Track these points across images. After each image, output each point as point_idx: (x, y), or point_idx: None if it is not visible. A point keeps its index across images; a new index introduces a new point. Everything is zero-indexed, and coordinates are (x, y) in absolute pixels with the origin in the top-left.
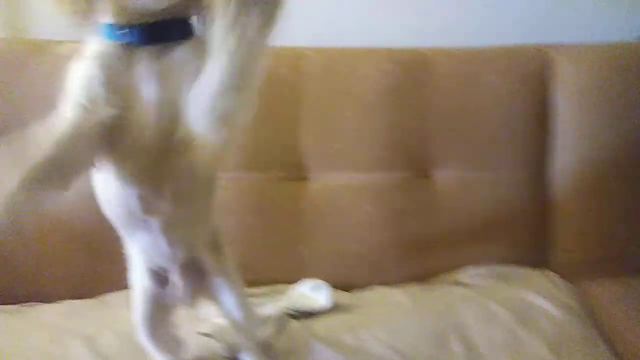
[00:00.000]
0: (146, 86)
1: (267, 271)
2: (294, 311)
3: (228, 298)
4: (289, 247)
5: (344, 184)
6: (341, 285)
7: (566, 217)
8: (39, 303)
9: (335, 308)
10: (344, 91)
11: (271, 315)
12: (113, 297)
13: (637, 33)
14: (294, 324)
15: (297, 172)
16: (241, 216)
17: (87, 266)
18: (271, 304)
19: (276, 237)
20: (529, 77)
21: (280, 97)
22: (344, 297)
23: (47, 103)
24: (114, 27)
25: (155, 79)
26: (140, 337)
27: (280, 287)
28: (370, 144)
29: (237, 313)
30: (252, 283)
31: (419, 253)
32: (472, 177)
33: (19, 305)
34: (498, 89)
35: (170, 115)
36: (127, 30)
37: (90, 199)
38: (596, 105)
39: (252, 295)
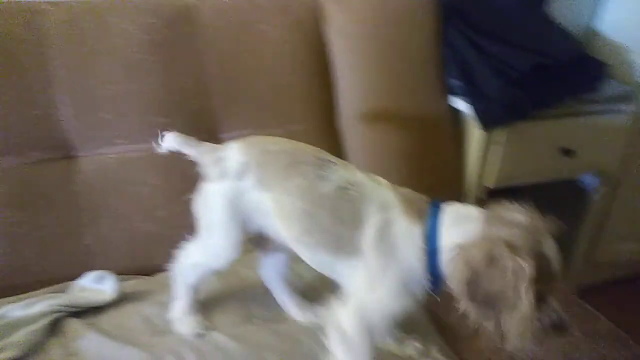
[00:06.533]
0: None
1: (44, 271)
2: (75, 307)
3: None
4: (67, 238)
5: (119, 158)
6: (143, 270)
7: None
8: None
9: (126, 298)
10: (99, 51)
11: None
12: None
13: None
14: (73, 322)
15: (62, 152)
16: None
17: None
18: (40, 303)
19: (48, 230)
20: (304, 26)
21: (20, 62)
22: (141, 283)
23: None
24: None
25: None
26: None
27: (62, 285)
28: (144, 110)
29: None
30: (26, 287)
31: None
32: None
33: None
34: (274, 40)
35: None
36: None
37: None
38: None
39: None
